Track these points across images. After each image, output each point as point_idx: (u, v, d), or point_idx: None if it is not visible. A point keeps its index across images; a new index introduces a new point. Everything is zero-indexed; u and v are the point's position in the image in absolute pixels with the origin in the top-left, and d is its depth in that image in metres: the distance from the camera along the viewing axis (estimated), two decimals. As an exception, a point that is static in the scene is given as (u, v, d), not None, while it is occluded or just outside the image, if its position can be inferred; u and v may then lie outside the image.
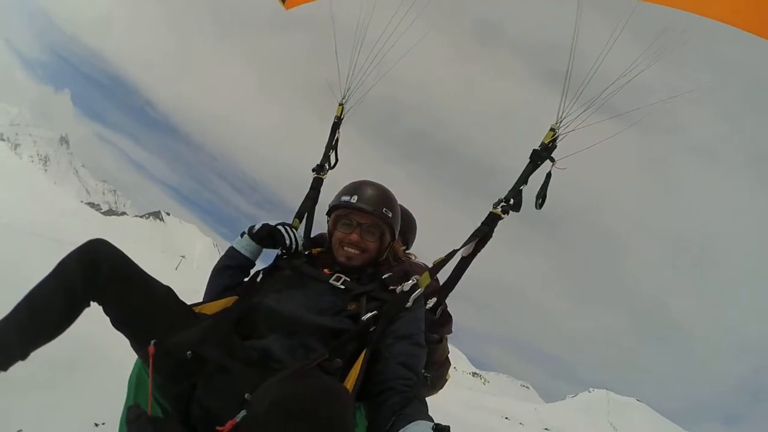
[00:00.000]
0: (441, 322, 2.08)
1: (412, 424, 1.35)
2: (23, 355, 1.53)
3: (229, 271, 2.06)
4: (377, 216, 1.98)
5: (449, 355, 2.39)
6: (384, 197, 2.05)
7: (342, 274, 1.94)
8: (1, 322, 1.51)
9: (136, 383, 1.69)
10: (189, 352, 1.54)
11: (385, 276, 1.94)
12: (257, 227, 2.09)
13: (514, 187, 2.19)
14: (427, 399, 2.19)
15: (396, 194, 2.17)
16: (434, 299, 2.04)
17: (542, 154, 2.21)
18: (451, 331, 2.18)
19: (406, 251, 2.55)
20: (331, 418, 1.15)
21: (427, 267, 2.14)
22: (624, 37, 2.37)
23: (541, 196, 2.19)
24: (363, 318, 1.74)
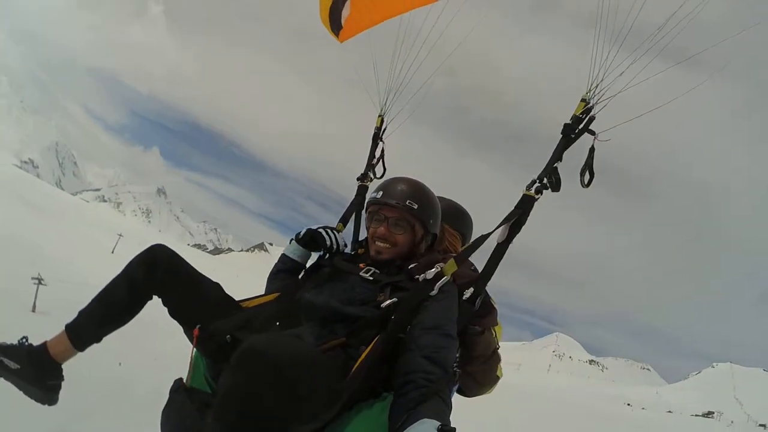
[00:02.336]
0: (482, 313, 1.96)
1: (417, 423, 1.32)
2: (97, 339, 1.86)
3: (281, 275, 2.26)
4: (402, 209, 2.01)
5: (498, 349, 2.21)
6: (411, 190, 2.06)
7: (374, 266, 2.01)
8: (80, 311, 1.84)
9: (194, 363, 1.90)
10: (228, 336, 1.74)
11: (411, 266, 1.96)
12: (302, 232, 2.27)
13: (547, 165, 2.03)
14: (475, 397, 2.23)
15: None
16: (471, 289, 1.93)
17: (573, 127, 2.03)
18: (497, 323, 2.06)
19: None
20: (282, 368, 1.24)
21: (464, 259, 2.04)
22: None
23: (588, 172, 2.02)
24: (382, 305, 1.79)
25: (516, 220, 2.00)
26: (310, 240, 2.25)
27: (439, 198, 2.64)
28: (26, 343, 1.80)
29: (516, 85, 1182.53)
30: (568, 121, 2.03)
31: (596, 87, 2.00)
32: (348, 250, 2.34)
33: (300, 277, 2.22)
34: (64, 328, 1.83)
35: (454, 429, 1.23)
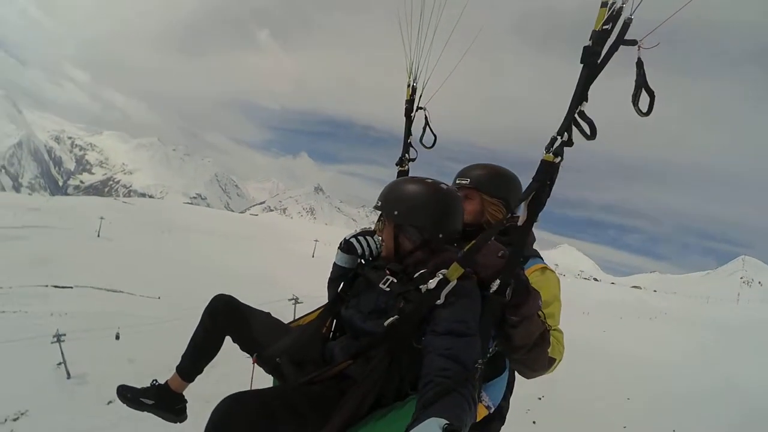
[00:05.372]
0: (515, 303, 1.77)
1: (421, 424, 1.28)
2: (198, 371, 2.36)
3: (335, 282, 2.36)
4: (377, 209, 2.11)
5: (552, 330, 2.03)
6: (384, 191, 2.11)
7: (394, 274, 2.01)
8: (183, 355, 2.34)
9: (273, 379, 2.26)
10: (278, 359, 2.05)
11: (417, 275, 1.90)
12: (342, 242, 2.33)
13: (568, 113, 1.61)
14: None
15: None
16: (498, 281, 1.76)
17: (597, 48, 1.54)
18: (539, 307, 1.83)
19: (512, 215, 2.29)
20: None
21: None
22: None
23: (647, 93, 1.51)
24: (385, 324, 1.78)
25: (535, 195, 1.69)
26: (347, 249, 2.30)
27: (478, 166, 2.43)
28: (156, 384, 2.42)
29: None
30: (587, 44, 1.54)
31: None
32: None
33: (339, 289, 2.31)
34: (175, 369, 2.38)
35: (459, 428, 1.20)
